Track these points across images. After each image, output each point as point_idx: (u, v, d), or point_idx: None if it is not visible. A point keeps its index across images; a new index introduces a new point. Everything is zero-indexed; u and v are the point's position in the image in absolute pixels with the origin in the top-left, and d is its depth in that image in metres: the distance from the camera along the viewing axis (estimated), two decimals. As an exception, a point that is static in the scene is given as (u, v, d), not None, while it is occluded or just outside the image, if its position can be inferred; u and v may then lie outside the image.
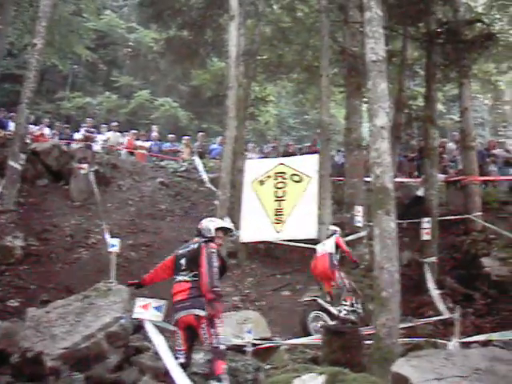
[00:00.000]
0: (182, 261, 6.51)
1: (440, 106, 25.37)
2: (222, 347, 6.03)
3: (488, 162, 18.20)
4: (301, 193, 12.12)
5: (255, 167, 13.20)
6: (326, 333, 7.00)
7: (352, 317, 10.20)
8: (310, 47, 17.28)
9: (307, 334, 9.57)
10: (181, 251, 6.71)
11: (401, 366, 4.25)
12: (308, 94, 22.78)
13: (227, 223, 6.90)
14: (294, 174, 12.21)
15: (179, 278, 6.42)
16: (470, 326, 10.82)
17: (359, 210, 12.17)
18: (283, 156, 17.75)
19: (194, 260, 6.34)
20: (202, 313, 6.05)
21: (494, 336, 8.47)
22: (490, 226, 13.85)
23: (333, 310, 10.03)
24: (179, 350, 6.09)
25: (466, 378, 3.95)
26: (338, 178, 15.61)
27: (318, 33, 13.39)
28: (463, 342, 8.06)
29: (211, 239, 6.53)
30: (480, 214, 14.32)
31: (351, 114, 13.38)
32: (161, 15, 18.66)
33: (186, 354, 6.13)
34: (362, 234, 12.45)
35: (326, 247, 10.65)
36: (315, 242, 11.61)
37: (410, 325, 9.80)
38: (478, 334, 9.21)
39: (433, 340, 8.27)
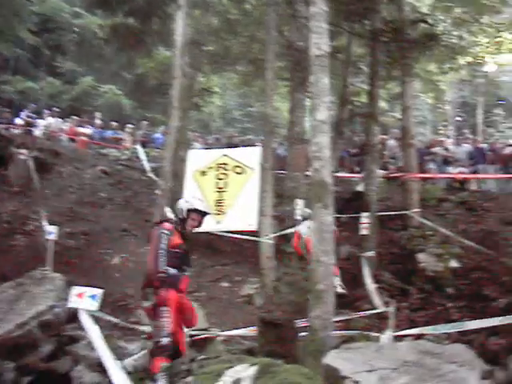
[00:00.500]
0: None
1: (383, 104, 25.74)
2: (164, 342, 5.79)
3: (427, 159, 18.61)
4: (242, 184, 12.09)
5: (198, 158, 13.11)
6: (262, 324, 7.02)
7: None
8: (257, 40, 17.28)
9: None
10: None
11: (332, 358, 4.31)
12: (253, 87, 22.81)
13: (202, 205, 6.66)
14: (237, 166, 12.17)
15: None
16: (405, 319, 11.01)
17: (300, 204, 12.25)
18: (226, 147, 17.78)
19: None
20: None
21: (427, 330, 8.67)
22: (427, 222, 14.14)
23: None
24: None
25: (396, 370, 4.03)
26: (279, 171, 15.72)
27: (265, 26, 13.39)
28: (397, 336, 8.24)
29: (183, 220, 6.39)
30: (418, 210, 14.62)
31: (295, 107, 13.45)
32: (107, 1, 18.37)
33: None
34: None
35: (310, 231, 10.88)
36: (255, 234, 11.68)
37: (346, 318, 9.94)
38: (411, 327, 9.41)
39: (366, 333, 8.40)
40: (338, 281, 10.99)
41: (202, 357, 7.24)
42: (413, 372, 4.03)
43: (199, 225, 6.58)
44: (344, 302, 11.44)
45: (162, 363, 5.67)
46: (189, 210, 6.40)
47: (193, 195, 7.65)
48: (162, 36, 19.13)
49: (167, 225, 6.28)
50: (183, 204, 6.46)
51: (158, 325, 5.86)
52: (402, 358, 4.26)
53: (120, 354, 7.15)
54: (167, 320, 5.86)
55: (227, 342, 8.98)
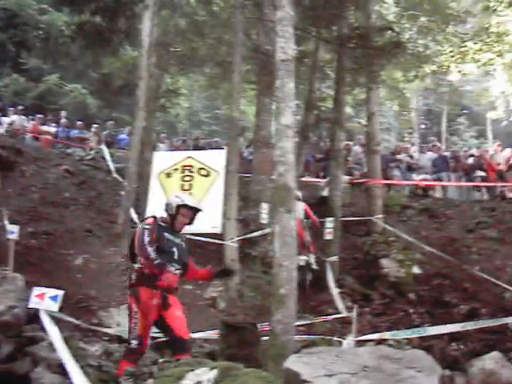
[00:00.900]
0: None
1: (348, 110, 25.96)
2: (132, 345, 5.75)
3: (392, 166, 18.80)
4: (207, 187, 12.05)
5: (163, 159, 13.03)
6: (223, 327, 7.00)
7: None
8: (224, 42, 17.28)
9: None
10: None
11: (293, 362, 4.31)
12: (220, 89, 22.81)
13: (193, 201, 6.53)
14: (202, 168, 12.12)
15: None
16: (367, 324, 11.12)
17: (265, 207, 12.26)
18: (193, 149, 17.73)
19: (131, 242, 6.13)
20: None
21: (388, 335, 8.77)
22: (390, 228, 14.27)
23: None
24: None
25: (355, 375, 4.04)
26: (245, 175, 15.73)
27: (233, 28, 13.37)
28: (358, 340, 8.30)
29: (172, 217, 6.22)
30: (381, 216, 14.75)
31: (261, 111, 13.49)
32: (74, -1, 18.21)
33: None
34: (267, 230, 12.57)
35: (298, 213, 10.83)
36: (219, 237, 11.65)
37: (308, 322, 9.98)
38: (373, 332, 9.50)
39: (328, 338, 8.45)
40: (313, 258, 11.72)
41: (163, 359, 7.18)
42: (372, 377, 4.05)
43: (190, 222, 6.42)
44: (307, 306, 11.53)
45: (126, 366, 5.58)
46: (178, 206, 6.20)
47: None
48: (129, 36, 18.97)
49: (150, 220, 6.10)
50: (173, 199, 6.27)
51: (129, 325, 5.81)
52: (362, 363, 4.27)
53: (81, 356, 7.07)
54: (136, 321, 5.76)
55: (189, 345, 8.92)
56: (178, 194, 6.58)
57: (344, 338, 8.26)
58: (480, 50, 20.86)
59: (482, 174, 19.33)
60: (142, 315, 5.78)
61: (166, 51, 16.63)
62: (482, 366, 6.95)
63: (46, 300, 6.00)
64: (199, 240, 12.22)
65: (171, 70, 19.12)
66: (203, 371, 4.03)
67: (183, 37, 18.57)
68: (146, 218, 6.32)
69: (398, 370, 4.19)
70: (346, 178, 16.74)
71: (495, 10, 18.17)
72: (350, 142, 20.46)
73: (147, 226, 5.96)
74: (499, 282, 11.86)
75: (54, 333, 5.78)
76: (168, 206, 6.28)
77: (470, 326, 9.47)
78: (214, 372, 3.93)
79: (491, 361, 7.01)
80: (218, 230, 11.62)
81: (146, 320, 5.81)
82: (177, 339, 5.87)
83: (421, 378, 4.07)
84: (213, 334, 8.74)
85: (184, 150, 17.65)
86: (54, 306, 5.99)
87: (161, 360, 6.46)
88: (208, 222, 11.81)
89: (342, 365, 4.22)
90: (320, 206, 14.86)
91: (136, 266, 5.93)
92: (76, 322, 8.16)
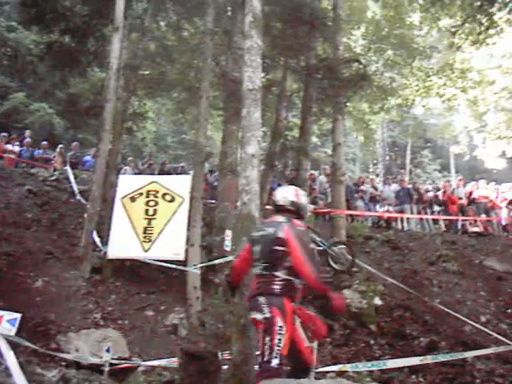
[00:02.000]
0: (257, 247, 5.60)
1: (314, 139, 26.22)
2: (274, 364, 4.99)
3: (356, 197, 18.96)
4: (172, 213, 12.02)
5: (128, 183, 12.96)
6: (184, 356, 6.91)
7: None
8: (193, 68, 17.33)
9: None
10: (255, 234, 5.76)
11: (251, 395, 4.29)
12: (187, 114, 22.80)
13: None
14: (166, 194, 12.09)
15: (254, 270, 5.60)
16: (328, 355, 11.09)
17: (229, 234, 12.23)
18: (158, 174, 17.66)
19: (268, 247, 5.43)
20: (258, 316, 5.26)
21: (348, 367, 8.75)
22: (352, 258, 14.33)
23: None
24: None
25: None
26: (210, 201, 15.70)
27: (202, 54, 13.43)
28: (318, 372, 8.26)
29: (301, 218, 5.69)
30: (344, 246, 14.81)
31: (227, 138, 13.50)
32: (43, 18, 18.01)
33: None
34: (231, 258, 12.50)
35: None
36: (182, 263, 11.57)
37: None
38: (334, 363, 9.47)
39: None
40: None
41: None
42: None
43: None
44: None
45: None
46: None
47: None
48: (98, 57, 18.90)
49: (299, 222, 5.52)
50: (304, 198, 5.82)
51: (269, 342, 5.09)
52: (320, 396, 4.27)
53: (37, 382, 6.91)
54: (281, 338, 5.11)
55: (148, 372, 8.80)
56: (303, 192, 6.00)
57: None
58: (444, 85, 21.26)
59: (440, 208, 19.76)
60: (288, 331, 5.20)
61: (134, 74, 16.58)
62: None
63: (3, 323, 5.89)
64: (162, 266, 12.15)
65: (139, 93, 19.07)
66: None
67: (152, 60, 18.56)
68: (291, 221, 5.55)
69: (357, 403, 4.18)
70: (311, 207, 16.80)
71: (460, 46, 18.52)
72: (316, 172, 20.61)
73: (304, 230, 5.59)
74: (459, 316, 11.96)
75: (10, 357, 5.65)
76: (301, 206, 5.77)
77: (429, 359, 9.50)
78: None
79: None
80: (181, 257, 11.56)
81: (289, 336, 5.23)
82: (303, 364, 5.42)
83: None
84: (172, 362, 8.64)
85: (149, 174, 17.59)
86: (12, 330, 5.87)
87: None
88: (171, 247, 11.78)
89: (300, 397, 4.22)
90: (284, 235, 14.87)
91: (278, 273, 5.37)
92: (33, 346, 7.99)
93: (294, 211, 5.68)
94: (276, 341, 5.03)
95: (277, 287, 5.31)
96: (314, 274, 5.15)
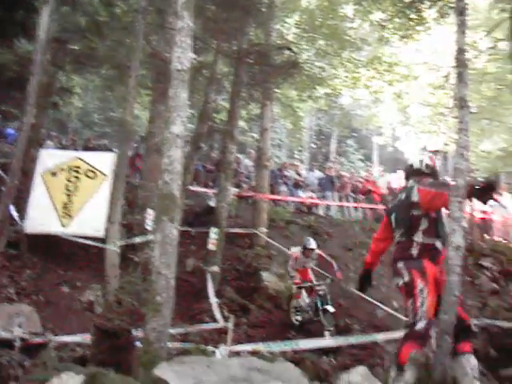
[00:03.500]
0: (393, 216, 5.74)
1: (242, 123, 26.22)
2: (419, 327, 4.94)
3: (280, 182, 19.18)
4: (93, 190, 11.87)
5: (50, 158, 12.71)
6: (96, 332, 6.89)
7: None
8: (123, 46, 17.05)
9: None
10: (391, 204, 5.94)
11: (162, 371, 4.33)
12: (115, 92, 22.43)
13: None
14: (89, 170, 11.93)
15: (396, 238, 5.66)
16: (243, 335, 11.27)
17: (150, 214, 12.19)
18: (82, 150, 17.38)
19: (402, 213, 5.50)
20: (399, 281, 5.38)
21: (261, 346, 8.92)
22: (273, 242, 14.56)
23: None
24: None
25: (223, 386, 4.12)
26: (133, 180, 15.61)
27: (133, 32, 13.25)
28: (232, 351, 8.40)
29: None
30: (265, 230, 15.02)
31: (155, 118, 13.44)
32: (-34, -15, 17.40)
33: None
34: (151, 237, 12.48)
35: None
36: (102, 240, 11.47)
37: (184, 331, 9.99)
38: (248, 343, 9.64)
39: (203, 347, 8.49)
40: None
41: (31, 362, 6.97)
42: (240, 387, 4.14)
43: None
44: (186, 315, 11.55)
45: (411, 351, 4.84)
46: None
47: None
48: (26, 29, 18.34)
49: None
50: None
51: (411, 305, 5.10)
52: (232, 374, 4.35)
53: None
54: (423, 300, 5.06)
55: (60, 348, 8.70)
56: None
57: (218, 348, 8.33)
58: (372, 77, 21.62)
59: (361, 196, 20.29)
60: (430, 292, 5.13)
61: (63, 48, 16.19)
62: (347, 380, 7.18)
63: None
64: (81, 242, 12.00)
65: (66, 68, 18.63)
66: (69, 376, 3.98)
67: (82, 36, 18.13)
68: (421, 180, 5.59)
69: (267, 381, 4.30)
70: (234, 190, 16.93)
71: (388, 40, 18.90)
72: (241, 156, 20.72)
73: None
74: (373, 300, 12.35)
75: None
76: (436, 171, 5.90)
77: (341, 341, 9.79)
78: (80, 378, 3.89)
79: (357, 374, 7.27)
80: (100, 234, 11.46)
81: (434, 297, 5.11)
82: (462, 322, 5.10)
83: (287, 390, 4.20)
84: (86, 338, 8.58)
85: (73, 150, 17.29)
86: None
87: (26, 363, 6.29)
88: (91, 224, 11.65)
89: (211, 375, 4.29)
90: (206, 216, 14.95)
91: (416, 237, 5.36)
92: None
93: (428, 174, 5.78)
94: (418, 304, 5.03)
95: (415, 251, 5.36)
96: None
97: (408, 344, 4.85)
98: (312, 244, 12.65)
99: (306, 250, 12.60)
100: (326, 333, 11.04)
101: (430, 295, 5.08)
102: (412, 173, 5.88)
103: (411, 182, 5.74)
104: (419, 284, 5.14)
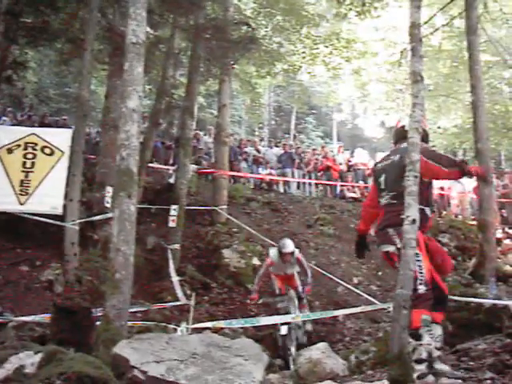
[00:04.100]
0: (382, 178, 5.53)
1: (201, 99, 26.11)
2: (422, 291, 4.92)
3: (240, 158, 19.16)
4: (50, 166, 11.64)
5: (5, 134, 12.42)
6: (56, 311, 6.81)
7: None
8: (78, 19, 16.70)
9: None
10: (379, 165, 5.70)
11: (122, 348, 4.31)
12: (71, 67, 22.02)
13: None
14: (46, 147, 11.68)
15: (382, 200, 5.48)
16: (205, 313, 11.29)
17: (109, 191, 12.05)
18: (38, 126, 17.04)
19: (395, 174, 5.24)
20: (391, 248, 5.20)
21: (222, 323, 8.94)
22: (233, 219, 14.55)
23: None
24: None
25: (183, 362, 4.11)
26: (91, 156, 15.40)
27: (88, 6, 12.96)
28: (194, 328, 8.40)
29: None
30: (226, 207, 15.00)
31: (111, 93, 13.22)
32: None
33: None
34: (110, 214, 12.33)
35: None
36: (60, 218, 11.30)
37: (145, 309, 9.96)
38: (210, 321, 9.65)
39: (163, 324, 8.48)
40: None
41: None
42: (200, 364, 4.14)
43: None
44: (147, 293, 11.51)
45: (422, 315, 4.84)
46: None
47: None
48: (-24, 1, 17.85)
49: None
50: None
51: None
52: (192, 350, 4.35)
53: None
54: (420, 265, 4.98)
55: (19, 328, 8.60)
56: None
57: (179, 326, 8.33)
58: (330, 53, 21.69)
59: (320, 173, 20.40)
60: (425, 257, 5.10)
61: (15, 21, 15.78)
62: (309, 356, 7.27)
63: None
64: (39, 220, 11.82)
65: (20, 42, 18.21)
66: (27, 355, 3.93)
67: (35, 8, 17.71)
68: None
69: (227, 357, 4.31)
70: (194, 167, 16.86)
71: (345, 15, 18.95)
72: (200, 132, 20.61)
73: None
74: (333, 277, 12.45)
75: None
76: (427, 134, 5.75)
77: (300, 317, 9.85)
78: (39, 356, 3.84)
79: (318, 351, 7.36)
80: (59, 212, 11.29)
81: (428, 262, 5.11)
82: (441, 292, 5.19)
83: (247, 366, 4.22)
84: (46, 318, 8.49)
85: (29, 126, 16.95)
86: None
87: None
88: (48, 202, 11.45)
89: (171, 351, 4.29)
90: (165, 193, 14.86)
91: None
92: None
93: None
94: (417, 268, 4.93)
95: None
96: (445, 170, 5.09)
97: (416, 311, 4.78)
98: (289, 247, 10.68)
99: (283, 255, 10.65)
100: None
101: (425, 260, 5.08)
102: (402, 135, 5.61)
103: (404, 143, 5.43)
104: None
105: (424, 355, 4.76)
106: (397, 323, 4.23)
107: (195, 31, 13.67)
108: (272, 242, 13.12)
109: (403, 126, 5.70)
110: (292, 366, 8.66)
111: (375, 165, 6.03)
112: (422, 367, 4.73)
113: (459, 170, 5.09)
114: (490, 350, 5.22)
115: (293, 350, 9.67)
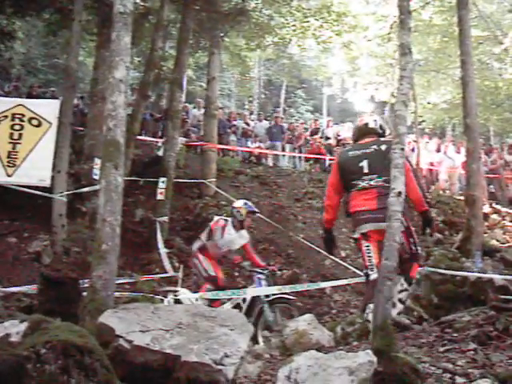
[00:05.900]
0: (364, 163, 5.89)
1: (190, 72, 25.92)
2: (420, 251, 5.97)
3: (228, 132, 19.13)
4: (38, 138, 11.53)
5: (-9, 105, 12.34)
6: (43, 281, 6.82)
7: None
8: (67, -13, 16.52)
9: None
10: (354, 153, 6.04)
11: (108, 317, 4.32)
12: (59, 38, 21.79)
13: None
14: (33, 118, 11.55)
15: (363, 183, 5.87)
16: (192, 285, 11.35)
17: (98, 163, 12.00)
18: (26, 98, 16.90)
19: (384, 161, 5.38)
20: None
21: (209, 295, 8.99)
22: (222, 192, 14.56)
23: None
24: (370, 266, 5.67)
25: (169, 332, 4.14)
26: (79, 128, 15.31)
27: (76, -26, 12.81)
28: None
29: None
30: (214, 180, 15.01)
31: (100, 64, 13.14)
32: None
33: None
34: (98, 186, 12.28)
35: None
36: (48, 190, 11.27)
37: (133, 280, 10.00)
38: (195, 292, 9.70)
39: (150, 295, 8.52)
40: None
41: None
42: (186, 334, 4.16)
43: None
44: (136, 265, 11.56)
45: (417, 269, 6.06)
46: None
47: None
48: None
49: None
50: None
51: (413, 241, 5.86)
52: (177, 320, 4.38)
53: None
54: (369, 254, 5.78)
55: (7, 299, 8.62)
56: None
57: (166, 297, 8.38)
58: (321, 26, 21.51)
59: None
60: (374, 248, 5.72)
61: (2, -9, 15.63)
62: (295, 327, 7.31)
63: None
64: (27, 192, 11.78)
65: (7, 11, 17.97)
66: (12, 324, 3.94)
67: (22, -23, 17.49)
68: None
69: (212, 327, 4.34)
70: (183, 139, 16.82)
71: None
72: (189, 104, 20.53)
73: None
74: (321, 250, 12.50)
75: None
76: (385, 131, 6.49)
77: (287, 289, 9.90)
78: (24, 325, 3.85)
79: (304, 322, 7.40)
80: (46, 183, 11.25)
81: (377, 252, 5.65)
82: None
83: (233, 336, 4.25)
84: (33, 289, 8.51)
85: (16, 97, 16.80)
86: None
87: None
88: (36, 174, 11.38)
89: (157, 321, 4.31)
90: (154, 166, 14.84)
91: None
92: None
93: (380, 134, 6.24)
94: (367, 258, 5.74)
95: None
96: (421, 193, 5.87)
97: (417, 264, 5.95)
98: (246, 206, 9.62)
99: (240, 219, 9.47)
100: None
101: (374, 250, 5.74)
102: (365, 132, 6.22)
103: (373, 138, 6.13)
104: (364, 244, 5.79)
105: (405, 298, 5.89)
106: (381, 294, 4.27)
107: (185, 2, 13.57)
108: (260, 215, 13.16)
109: (366, 124, 6.28)
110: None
111: (343, 154, 6.35)
112: (401, 307, 5.90)
113: (427, 208, 5.99)
114: (474, 322, 5.30)
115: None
